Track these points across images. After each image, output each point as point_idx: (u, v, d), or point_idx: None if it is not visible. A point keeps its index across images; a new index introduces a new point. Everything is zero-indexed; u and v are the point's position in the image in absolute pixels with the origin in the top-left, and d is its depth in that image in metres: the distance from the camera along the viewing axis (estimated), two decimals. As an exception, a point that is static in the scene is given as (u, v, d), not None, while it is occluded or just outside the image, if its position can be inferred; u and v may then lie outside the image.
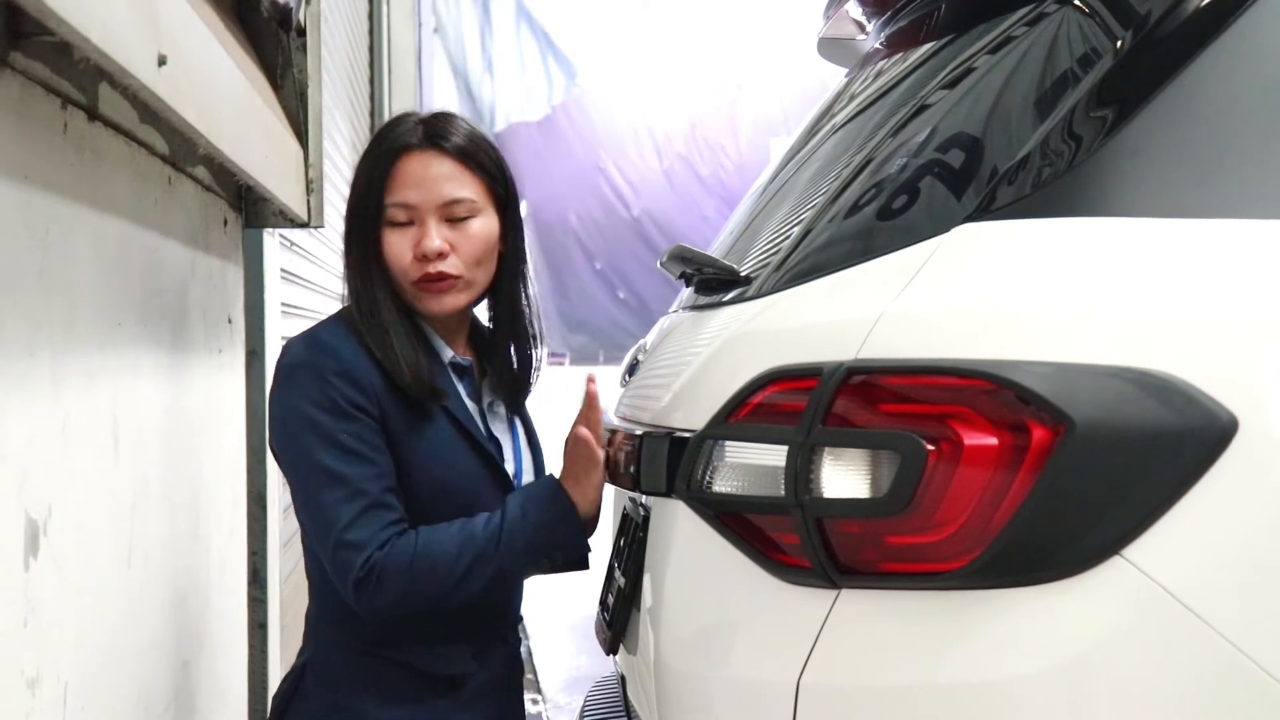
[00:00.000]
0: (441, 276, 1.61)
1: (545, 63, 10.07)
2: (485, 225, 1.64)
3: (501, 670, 1.73)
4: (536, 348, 1.78)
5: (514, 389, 1.78)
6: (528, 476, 1.75)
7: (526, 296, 1.75)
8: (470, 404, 1.69)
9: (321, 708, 1.61)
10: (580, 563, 1.67)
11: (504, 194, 1.69)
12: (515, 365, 1.77)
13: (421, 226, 1.61)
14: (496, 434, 1.72)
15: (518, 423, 1.79)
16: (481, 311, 1.78)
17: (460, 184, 1.62)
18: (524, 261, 1.75)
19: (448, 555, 1.52)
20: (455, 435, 1.62)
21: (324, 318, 1.67)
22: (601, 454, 1.62)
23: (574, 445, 1.63)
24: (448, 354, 1.68)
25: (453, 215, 1.62)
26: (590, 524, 1.65)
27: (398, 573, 1.50)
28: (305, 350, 1.58)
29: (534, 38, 10.00)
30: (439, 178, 1.61)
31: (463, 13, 9.71)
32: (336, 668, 1.62)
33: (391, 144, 1.62)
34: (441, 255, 1.60)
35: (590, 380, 1.66)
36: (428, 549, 1.52)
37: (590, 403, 1.65)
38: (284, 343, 1.63)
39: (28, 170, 1.14)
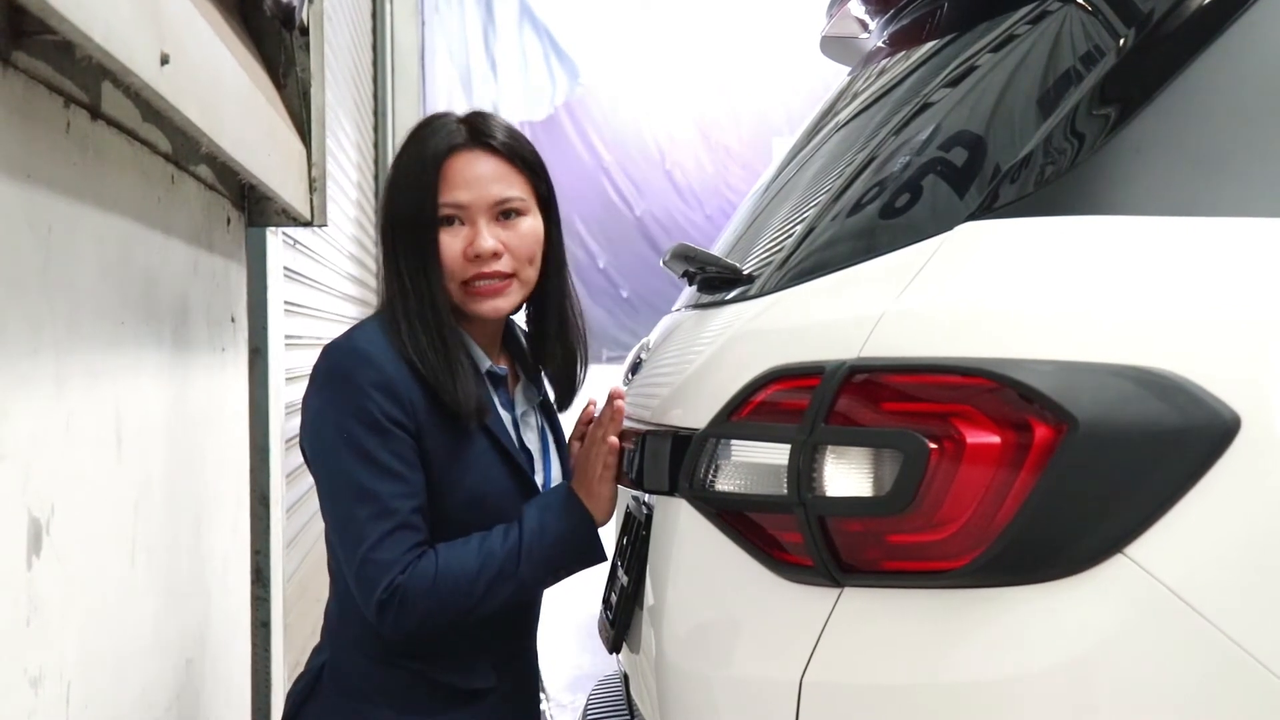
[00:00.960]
0: (495, 276, 1.59)
1: (548, 62, 10.06)
2: (534, 224, 1.63)
3: (519, 682, 1.72)
4: (583, 351, 1.75)
5: (560, 395, 1.76)
6: (555, 484, 1.72)
7: (571, 297, 1.73)
8: (504, 414, 1.66)
9: (336, 712, 1.61)
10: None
11: (546, 192, 1.67)
12: (563, 370, 1.74)
13: (473, 226, 1.59)
14: (528, 444, 1.70)
15: (547, 430, 1.76)
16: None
17: (508, 183, 1.61)
18: (565, 261, 1.72)
19: (468, 575, 1.51)
20: (489, 449, 1.60)
21: (361, 320, 1.64)
22: (616, 466, 1.60)
23: (593, 453, 1.60)
24: (485, 363, 1.65)
25: (502, 214, 1.60)
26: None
27: (419, 595, 1.49)
28: (344, 358, 1.55)
29: (537, 38, 9.99)
30: (487, 177, 1.60)
31: (465, 12, 9.70)
32: (355, 674, 1.61)
33: (437, 144, 1.60)
34: (495, 255, 1.58)
35: (618, 396, 1.63)
36: (448, 570, 1.50)
37: (616, 416, 1.61)
38: (322, 346, 1.60)
39: (31, 169, 1.14)
